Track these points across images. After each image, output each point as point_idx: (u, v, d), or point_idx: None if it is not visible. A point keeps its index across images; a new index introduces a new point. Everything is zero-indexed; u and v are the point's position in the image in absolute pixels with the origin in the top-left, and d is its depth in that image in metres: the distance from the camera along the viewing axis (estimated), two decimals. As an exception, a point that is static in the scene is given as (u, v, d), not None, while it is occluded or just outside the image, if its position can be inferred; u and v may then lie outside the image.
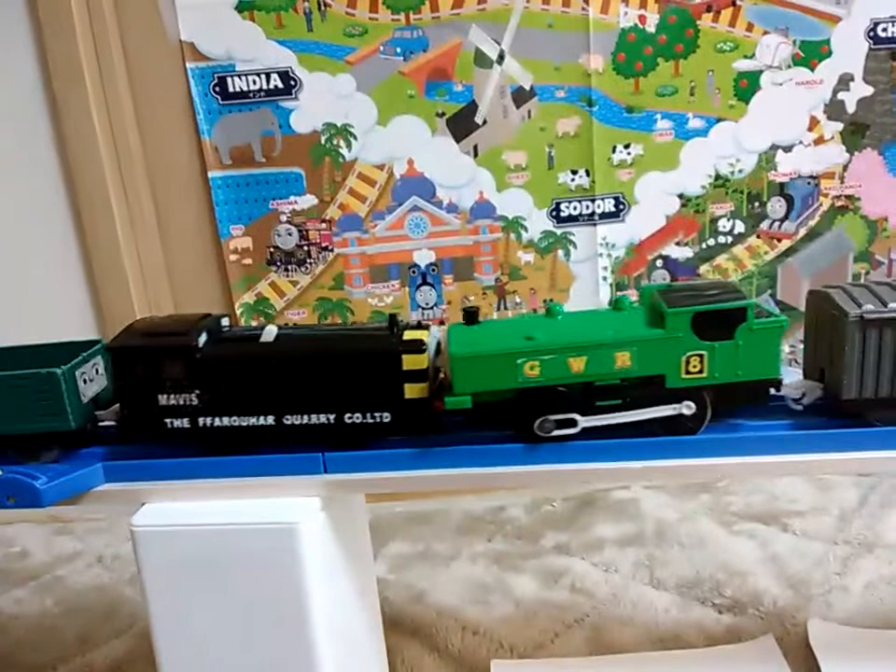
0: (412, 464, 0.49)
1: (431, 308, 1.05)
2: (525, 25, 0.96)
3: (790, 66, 0.98)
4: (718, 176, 1.01)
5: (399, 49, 0.97)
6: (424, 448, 0.49)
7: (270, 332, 0.49)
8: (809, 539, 0.86)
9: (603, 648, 0.72)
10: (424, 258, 1.05)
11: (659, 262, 1.05)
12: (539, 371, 0.46)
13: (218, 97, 0.98)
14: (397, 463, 0.49)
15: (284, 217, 1.03)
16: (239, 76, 0.97)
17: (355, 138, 1.00)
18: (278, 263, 1.04)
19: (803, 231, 1.03)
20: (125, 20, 0.95)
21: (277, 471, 0.49)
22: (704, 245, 1.04)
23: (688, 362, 0.46)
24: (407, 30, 0.96)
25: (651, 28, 0.96)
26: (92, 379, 0.53)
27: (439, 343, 0.51)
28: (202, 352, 0.48)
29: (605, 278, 1.05)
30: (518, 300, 1.03)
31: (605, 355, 0.46)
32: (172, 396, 0.48)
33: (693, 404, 0.47)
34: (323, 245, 1.04)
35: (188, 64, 0.96)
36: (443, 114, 0.99)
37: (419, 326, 0.50)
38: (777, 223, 1.03)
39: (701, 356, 0.46)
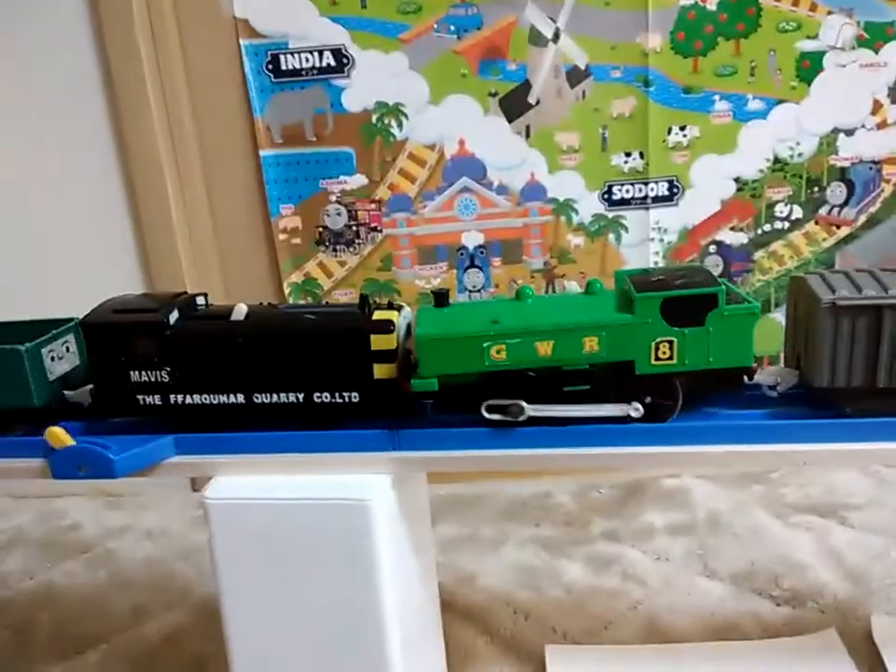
0: (486, 443, 0.47)
1: (479, 291, 1.03)
2: (582, 3, 0.93)
3: (853, 48, 0.94)
4: (776, 160, 0.97)
5: (452, 27, 0.94)
6: (499, 427, 0.47)
7: (240, 311, 0.49)
8: (868, 532, 0.83)
9: (657, 636, 0.69)
10: (472, 239, 1.02)
11: (712, 248, 1.02)
12: (505, 354, 0.45)
13: (271, 75, 0.96)
14: (470, 442, 0.47)
15: (333, 197, 1.01)
16: (292, 53, 0.95)
17: (406, 117, 0.98)
18: (327, 243, 1.03)
19: (863, 218, 0.99)
20: (180, -5, 0.94)
21: (348, 447, 0.47)
22: (759, 231, 1.01)
23: (657, 348, 0.45)
24: (461, 7, 0.94)
25: (711, 6, 0.93)
26: (62, 357, 0.53)
27: (409, 325, 0.51)
28: (171, 329, 0.48)
29: (656, 263, 1.02)
30: (566, 283, 1.01)
31: (572, 339, 0.45)
32: (143, 372, 0.48)
33: (640, 407, 0.46)
34: (372, 225, 1.02)
35: (241, 41, 0.94)
36: (496, 93, 0.97)
37: (390, 306, 0.50)
38: (836, 209, 1.00)
39: (671, 342, 0.45)
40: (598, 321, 0.45)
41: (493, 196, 1.01)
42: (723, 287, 0.45)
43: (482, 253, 1.03)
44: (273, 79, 0.96)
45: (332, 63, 0.96)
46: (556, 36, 0.94)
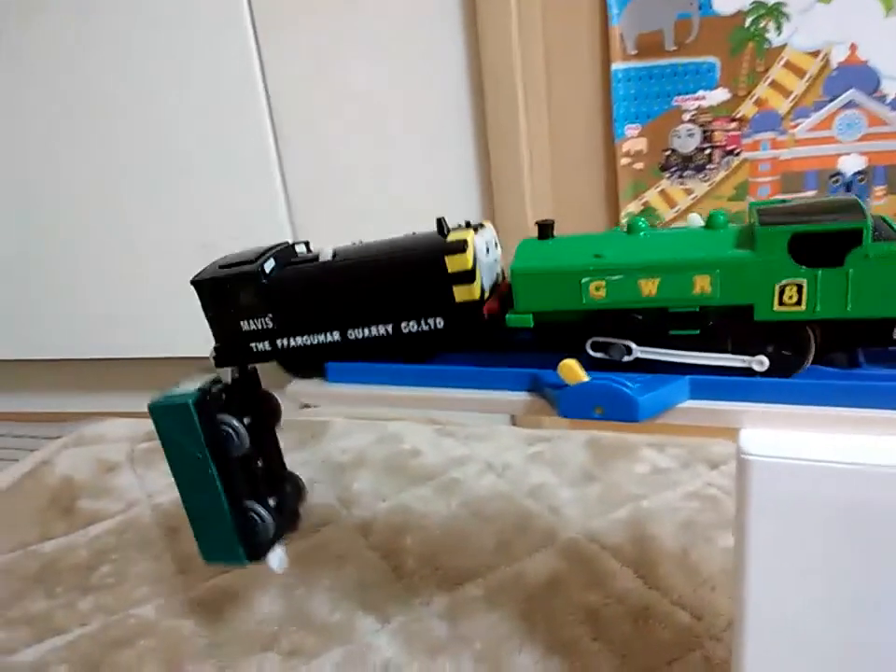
0: None
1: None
2: None
3: None
4: None
5: None
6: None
7: (326, 252, 0.48)
8: None
9: None
10: (852, 164, 0.85)
11: None
12: (604, 292, 0.40)
13: (632, -25, 0.84)
14: None
15: (687, 116, 0.88)
16: (659, -52, 0.82)
17: (787, 19, 0.82)
18: (673, 169, 0.90)
19: None
20: None
21: None
22: None
23: (782, 292, 0.37)
24: None
25: None
26: None
27: (495, 245, 0.48)
28: (268, 277, 0.48)
29: None
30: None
31: (681, 277, 0.38)
32: (251, 321, 0.49)
33: (765, 360, 0.39)
34: (729, 147, 0.88)
35: (604, -63, 0.83)
36: (909, -16, 0.78)
37: (468, 226, 0.46)
38: None
39: (799, 285, 0.37)
40: (712, 258, 0.38)
41: (885, 112, 0.82)
42: (869, 221, 0.35)
43: (861, 180, 0.85)
44: (633, -20, 0.84)
45: (705, -44, 0.82)
46: None
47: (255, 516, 0.53)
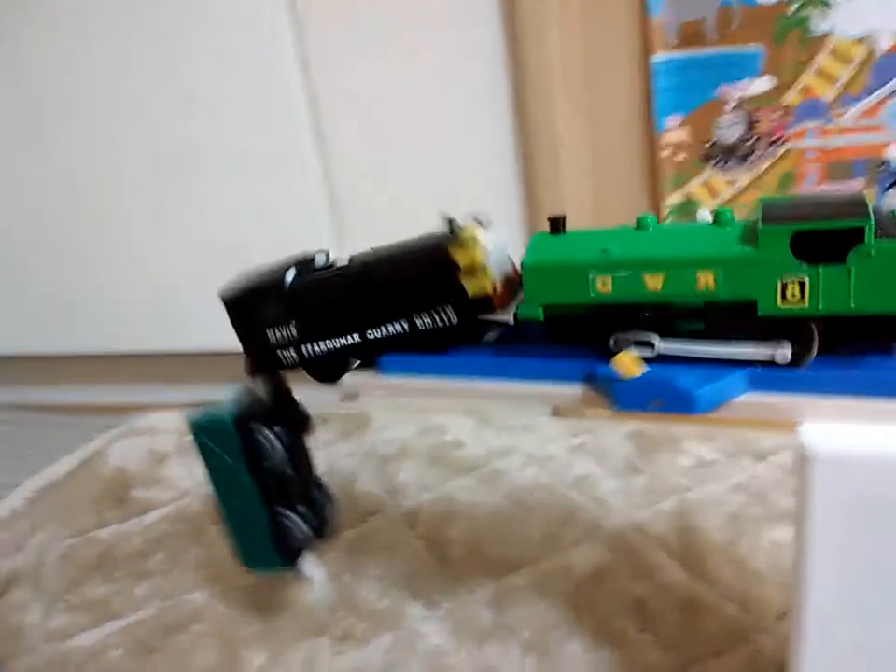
0: None
1: (900, 215, 0.84)
2: None
3: None
4: None
5: None
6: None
7: (342, 261, 0.50)
8: None
9: None
10: (900, 153, 0.83)
11: None
12: (611, 287, 0.41)
13: (674, -36, 0.83)
14: None
15: (730, 106, 0.86)
16: (702, -64, 0.81)
17: (831, 6, 0.80)
18: (716, 159, 0.89)
19: None
20: None
21: None
22: None
23: (784, 288, 0.37)
24: None
25: None
26: None
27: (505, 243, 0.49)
28: (289, 287, 0.50)
29: None
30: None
31: (685, 273, 0.39)
32: (276, 329, 0.51)
33: (787, 353, 0.39)
34: (774, 137, 0.86)
35: (645, -74, 0.82)
36: (961, -34, 0.76)
37: (477, 223, 0.47)
38: None
39: (801, 281, 0.37)
40: (715, 255, 0.38)
41: (935, 98, 0.80)
42: (872, 218, 0.35)
43: (909, 169, 0.83)
44: (675, -30, 0.83)
45: (749, -57, 0.80)
46: None
47: (287, 522, 0.55)
